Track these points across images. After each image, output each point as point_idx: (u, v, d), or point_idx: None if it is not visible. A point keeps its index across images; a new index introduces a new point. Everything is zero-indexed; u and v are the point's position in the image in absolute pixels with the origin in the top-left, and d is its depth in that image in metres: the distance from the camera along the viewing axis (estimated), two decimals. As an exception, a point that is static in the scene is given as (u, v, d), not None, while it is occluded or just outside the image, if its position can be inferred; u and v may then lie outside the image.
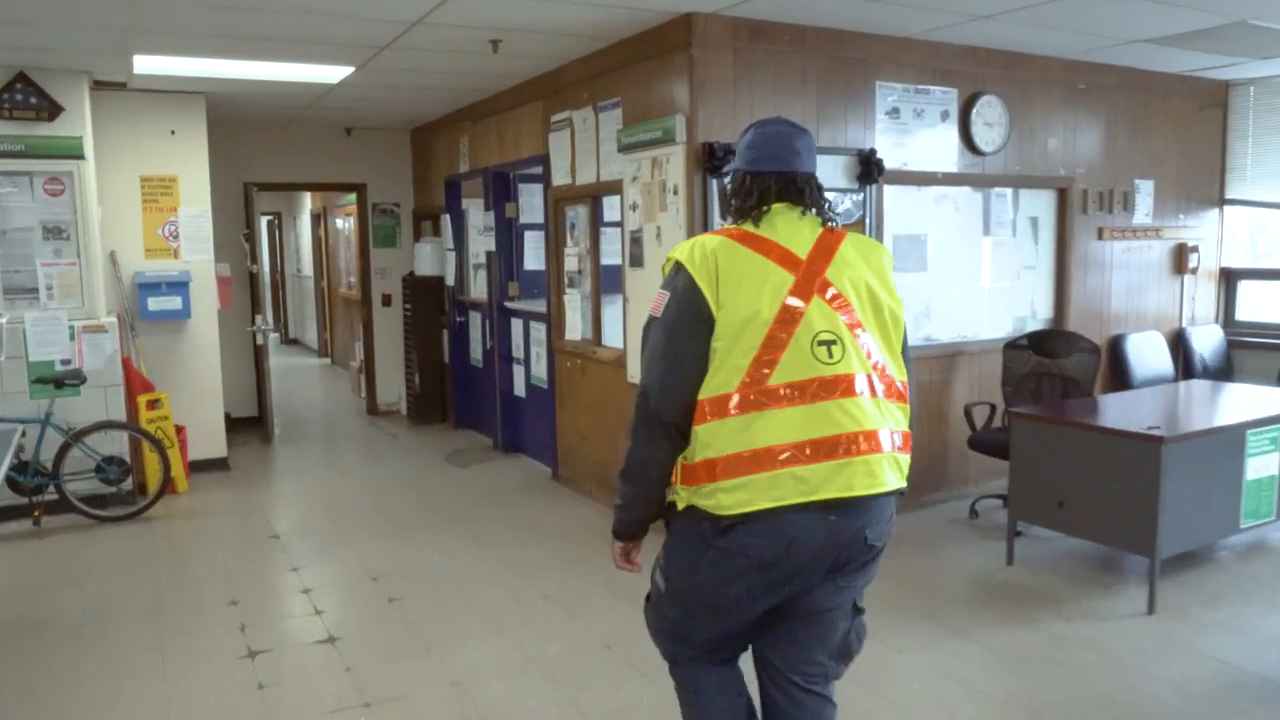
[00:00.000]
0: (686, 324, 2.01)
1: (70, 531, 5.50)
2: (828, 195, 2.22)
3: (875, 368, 2.03)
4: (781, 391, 1.95)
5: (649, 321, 2.10)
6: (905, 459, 2.08)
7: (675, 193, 4.89)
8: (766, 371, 1.96)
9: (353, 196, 10.68)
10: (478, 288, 8.05)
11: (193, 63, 5.56)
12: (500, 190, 7.18)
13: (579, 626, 4.00)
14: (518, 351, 7.15)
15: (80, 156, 5.79)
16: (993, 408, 5.51)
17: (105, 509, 5.70)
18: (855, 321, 2.03)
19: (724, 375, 1.97)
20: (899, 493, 2.07)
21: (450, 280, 8.22)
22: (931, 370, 5.60)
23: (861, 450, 1.97)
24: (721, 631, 2.19)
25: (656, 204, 5.05)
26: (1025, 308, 6.11)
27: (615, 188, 5.46)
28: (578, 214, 6.06)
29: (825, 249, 2.08)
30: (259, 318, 7.72)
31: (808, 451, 1.94)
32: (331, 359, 13.19)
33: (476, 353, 7.94)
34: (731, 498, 1.95)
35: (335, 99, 7.00)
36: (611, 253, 5.75)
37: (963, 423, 5.54)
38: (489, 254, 7.35)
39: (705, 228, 4.82)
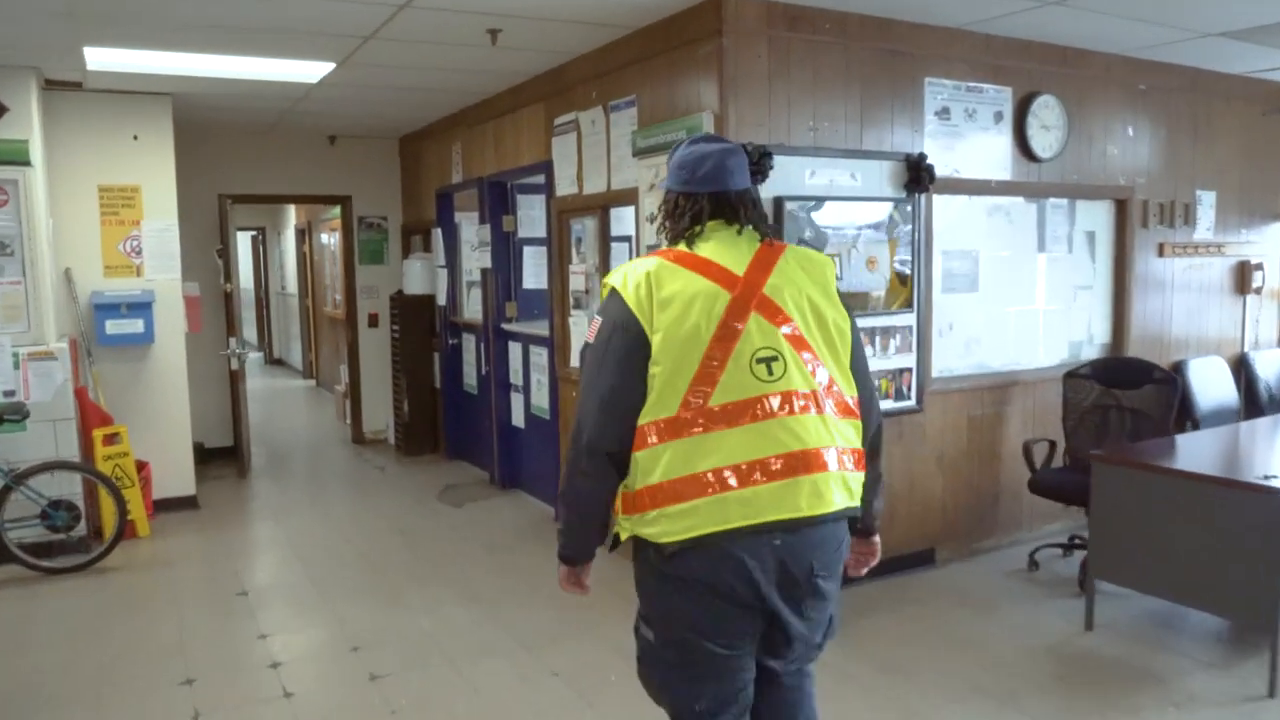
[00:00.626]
0: (620, 351, 1.95)
1: (11, 586, 4.84)
2: (765, 211, 2.26)
3: (821, 383, 1.98)
4: (722, 412, 1.90)
5: (584, 348, 2.06)
6: (857, 478, 2.01)
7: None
8: (706, 391, 1.91)
9: (337, 210, 10.09)
10: (472, 308, 7.43)
11: (152, 57, 4.93)
12: (497, 202, 6.57)
13: (594, 715, 3.37)
14: (516, 378, 6.53)
15: (26, 163, 5.16)
16: (1052, 444, 4.91)
17: (52, 559, 5.04)
18: (797, 336, 1.98)
19: (664, 399, 1.92)
20: (850, 516, 2.00)
21: (442, 299, 7.60)
22: (984, 402, 4.99)
23: (807, 469, 1.91)
24: (721, 662, 2.01)
25: (678, 215, 4.44)
26: (1081, 331, 5.51)
27: (629, 197, 4.86)
28: (585, 227, 5.45)
29: (763, 264, 2.02)
30: (234, 340, 7.08)
31: (752, 473, 1.89)
32: (317, 381, 12.53)
33: (471, 378, 7.31)
34: (675, 525, 1.90)
35: (316, 102, 6.39)
36: (624, 270, 5.12)
37: (1016, 460, 4.94)
38: (484, 271, 6.74)
39: (736, 242, 4.22)
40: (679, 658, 2.03)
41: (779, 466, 1.90)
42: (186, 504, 6.25)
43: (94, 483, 5.26)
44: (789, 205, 4.26)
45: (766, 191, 4.15)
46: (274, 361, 15.01)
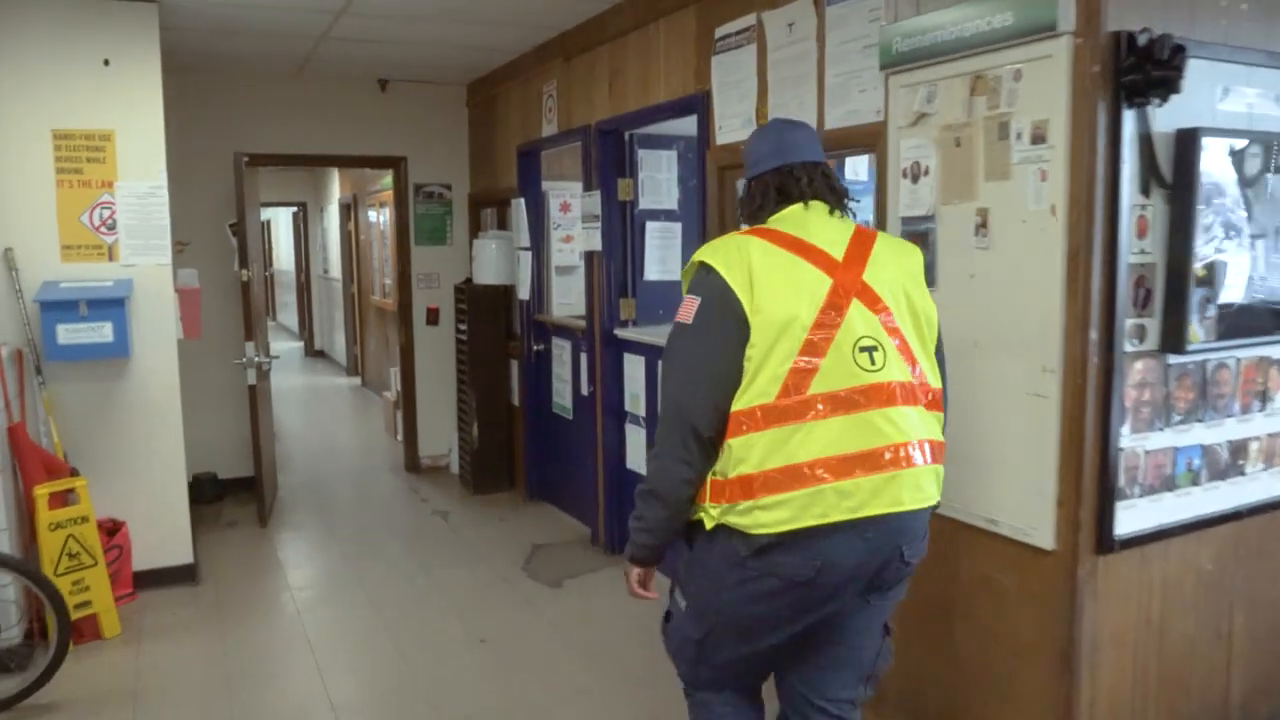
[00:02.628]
0: (719, 329, 1.88)
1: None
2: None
3: (916, 375, 1.93)
4: (822, 401, 1.83)
5: (676, 329, 1.96)
6: (942, 471, 1.97)
7: (1038, 140, 2.39)
8: (807, 380, 1.84)
9: (388, 179, 8.30)
10: (567, 303, 5.60)
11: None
12: (610, 160, 4.71)
13: None
14: (635, 404, 4.69)
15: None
16: None
17: (-40, 689, 3.33)
18: (894, 326, 1.93)
19: (760, 384, 1.84)
20: (935, 507, 1.95)
21: (525, 293, 5.77)
22: None
23: (909, 463, 1.86)
24: (745, 653, 2.04)
25: (980, 164, 2.56)
26: None
27: (861, 138, 2.99)
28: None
29: (860, 250, 1.96)
30: (252, 346, 5.32)
31: (852, 465, 1.82)
32: (363, 379, 10.83)
33: (564, 397, 5.49)
34: (771, 515, 1.82)
35: (359, 27, 4.59)
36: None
37: None
38: (590, 256, 4.90)
39: (1114, 204, 2.32)
40: (702, 638, 2.04)
41: (883, 459, 1.84)
42: (181, 576, 4.50)
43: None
44: (1209, 141, 2.36)
45: (1165, 121, 2.29)
46: (315, 353, 13.36)
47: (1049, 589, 2.49)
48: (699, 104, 3.82)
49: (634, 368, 4.68)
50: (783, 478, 1.81)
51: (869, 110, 2.95)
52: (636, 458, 4.73)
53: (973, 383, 2.63)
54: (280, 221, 15.72)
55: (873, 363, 1.86)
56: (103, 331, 3.97)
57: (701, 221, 3.86)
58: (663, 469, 1.94)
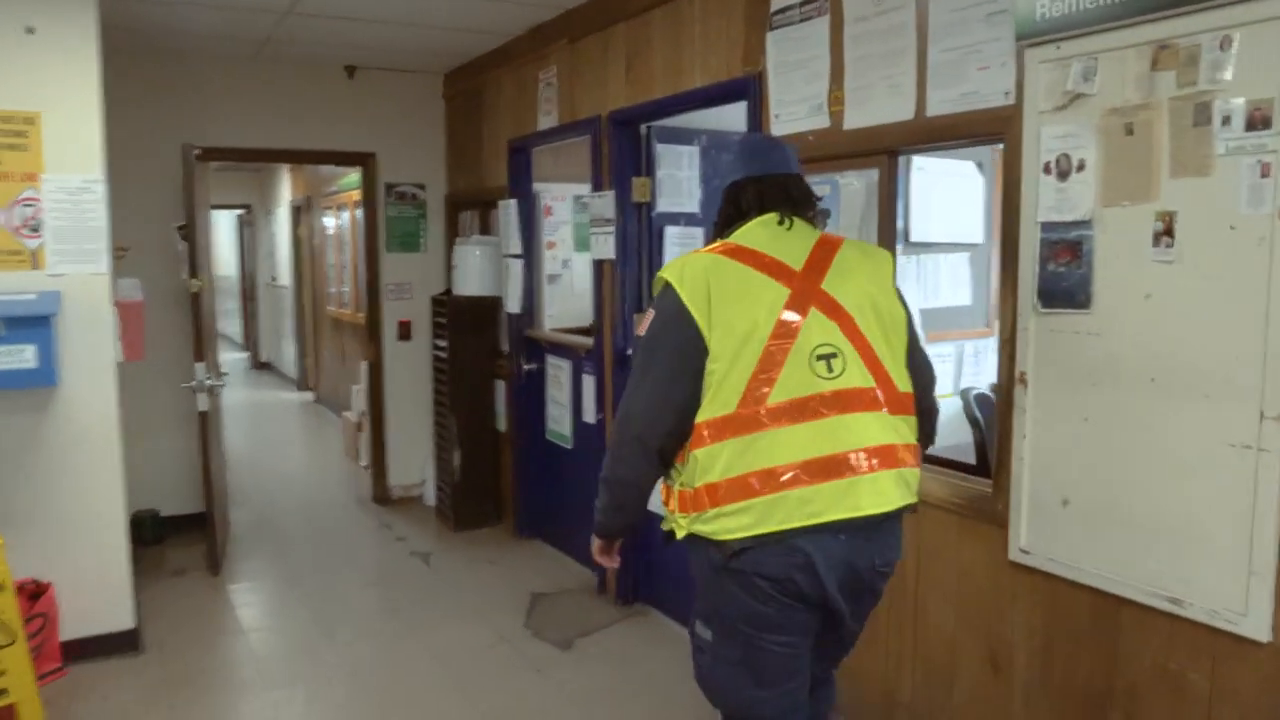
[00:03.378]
0: (673, 347, 1.93)
1: None
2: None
3: (880, 380, 1.94)
4: (781, 410, 1.87)
5: (637, 340, 2.04)
6: (914, 474, 1.98)
7: (1257, 125, 1.87)
8: (765, 390, 1.87)
9: (349, 180, 7.64)
10: (564, 315, 5.01)
11: None
12: (626, 155, 4.12)
13: None
14: (653, 436, 4.09)
15: None
16: None
17: None
18: (857, 332, 1.94)
19: (723, 396, 1.88)
20: (909, 509, 1.96)
21: (514, 305, 5.15)
22: None
23: (868, 468, 1.89)
24: (788, 667, 1.98)
25: (1164, 156, 2.03)
26: None
27: (984, 125, 2.45)
28: (835, 190, 3.00)
29: (821, 258, 1.99)
30: (202, 367, 4.61)
31: (812, 471, 1.86)
32: (316, 395, 10.06)
33: (562, 424, 4.87)
34: (735, 521, 1.86)
35: (326, 3, 3.95)
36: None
37: None
38: (600, 265, 4.30)
39: (1370, 214, 1.81)
40: (742, 655, 1.97)
41: (843, 465, 1.87)
42: (120, 645, 3.79)
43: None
44: None
45: None
46: (261, 365, 12.51)
47: (1261, 693, 1.97)
48: (748, 89, 3.25)
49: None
50: (745, 486, 1.85)
51: (994, 91, 2.41)
52: (656, 498, 4.13)
53: (1145, 429, 2.10)
54: (221, 225, 14.77)
55: (830, 370, 1.89)
56: (23, 356, 3.26)
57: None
58: (611, 466, 2.04)
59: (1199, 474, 2.03)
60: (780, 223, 2.03)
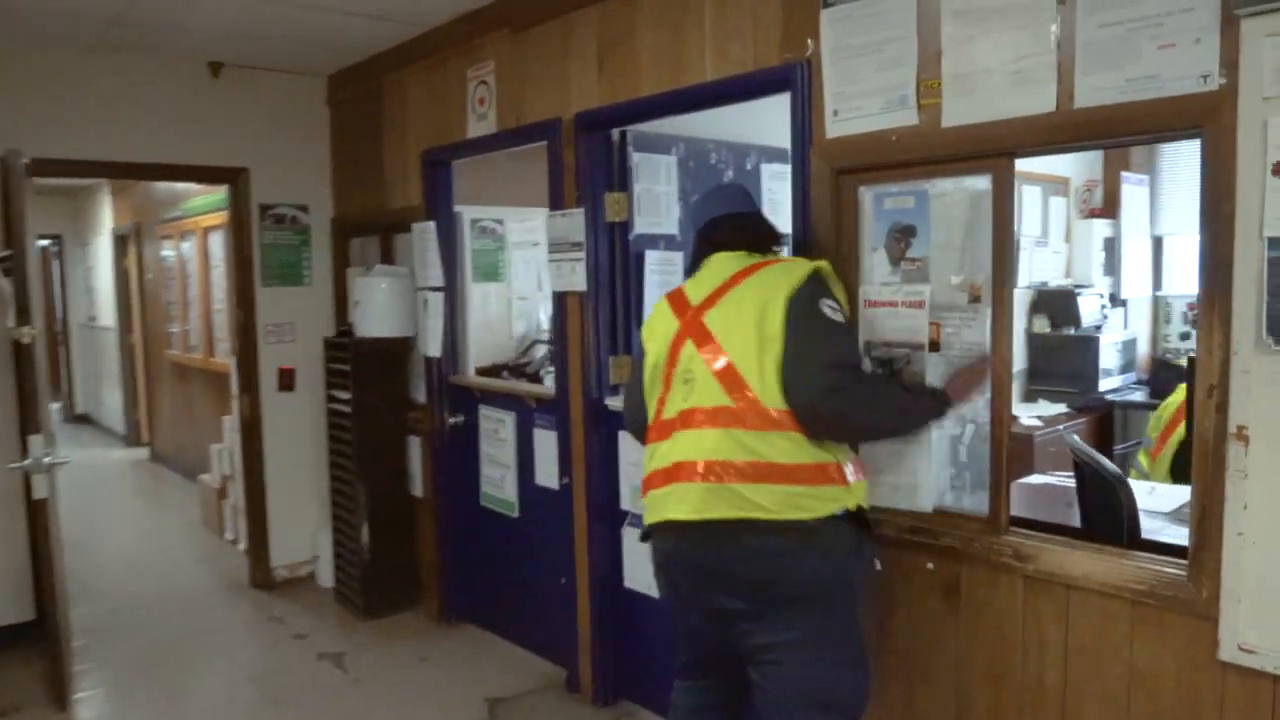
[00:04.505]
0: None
1: None
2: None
3: (740, 398, 2.09)
4: (661, 426, 2.24)
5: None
6: (771, 491, 2.05)
7: None
8: (660, 409, 2.26)
9: (205, 198, 6.57)
10: (486, 354, 4.27)
11: None
12: (598, 165, 3.44)
13: None
14: (637, 499, 3.38)
15: None
16: None
17: None
18: (718, 353, 2.14)
19: (649, 410, 2.34)
20: (794, 527, 2.06)
21: (434, 347, 4.34)
22: None
23: (688, 478, 2.12)
24: (682, 625, 2.36)
25: None
26: None
27: (1170, 117, 1.94)
28: (926, 207, 2.44)
29: (722, 289, 2.22)
30: (39, 441, 3.55)
31: (661, 479, 2.20)
32: (151, 451, 8.71)
33: (502, 487, 4.10)
34: (648, 511, 2.27)
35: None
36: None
37: None
38: (563, 298, 3.59)
39: None
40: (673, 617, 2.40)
41: (674, 475, 2.16)
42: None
43: None
44: None
45: None
46: (78, 418, 10.84)
47: None
48: (792, 79, 2.65)
49: (635, 450, 3.40)
50: (646, 484, 2.28)
51: (1184, 75, 1.91)
52: (639, 572, 3.45)
53: None
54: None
55: (687, 394, 2.18)
56: None
57: (802, 249, 2.68)
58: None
59: None
60: (732, 258, 2.31)
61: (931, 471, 2.47)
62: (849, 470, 2.15)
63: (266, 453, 5.03)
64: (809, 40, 2.60)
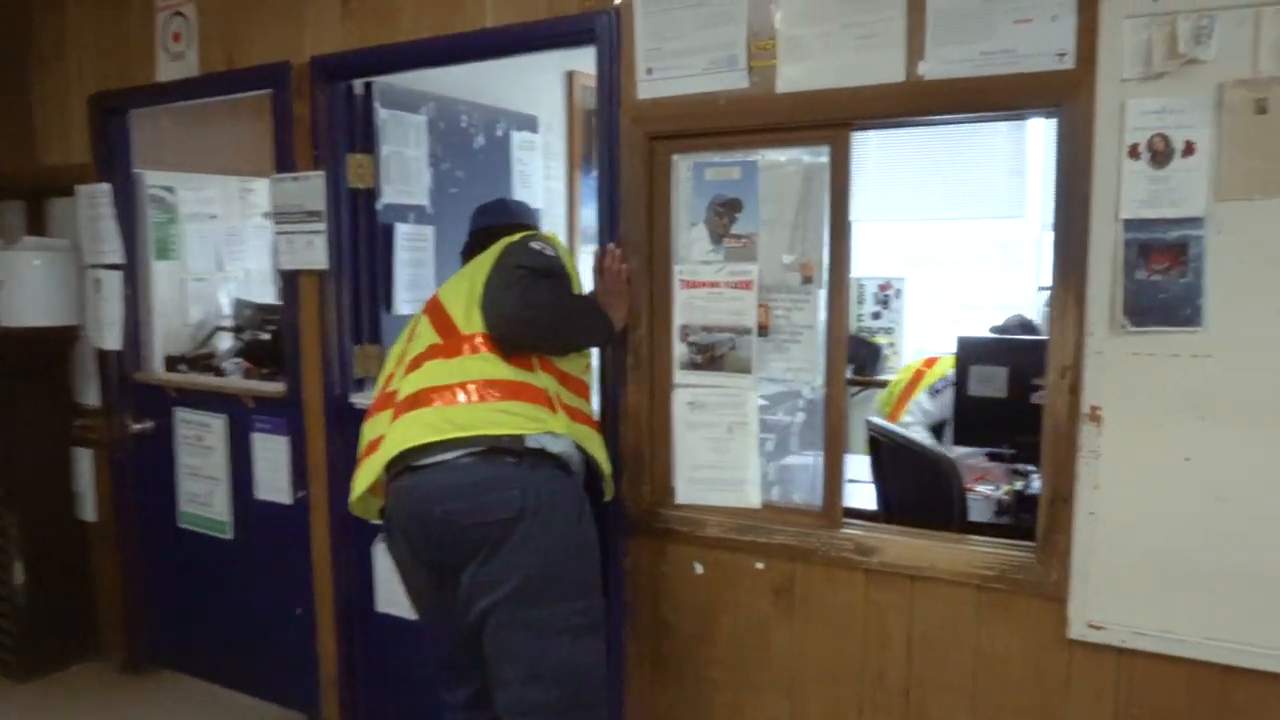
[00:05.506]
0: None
1: None
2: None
3: (448, 334, 2.15)
4: (386, 395, 2.22)
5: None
6: (463, 411, 2.03)
7: None
8: (385, 384, 2.26)
9: None
10: (164, 344, 3.55)
11: None
12: (339, 121, 2.91)
13: None
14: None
15: None
16: None
17: None
18: (440, 310, 2.21)
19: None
20: (492, 445, 2.01)
21: (112, 339, 3.52)
22: None
23: (400, 412, 2.10)
24: (419, 608, 2.28)
25: (1328, 137, 1.66)
26: None
27: (1026, 94, 1.90)
28: (754, 180, 2.25)
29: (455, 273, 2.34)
30: None
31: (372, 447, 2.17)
32: None
33: (210, 504, 3.40)
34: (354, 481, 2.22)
35: None
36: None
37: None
38: (298, 279, 3.01)
39: None
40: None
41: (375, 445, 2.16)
42: None
43: None
44: None
45: None
46: None
47: None
48: (597, 32, 2.35)
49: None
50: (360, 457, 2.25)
51: (1039, 52, 1.87)
52: (397, 593, 3.00)
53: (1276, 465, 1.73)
54: None
55: (410, 350, 2.21)
56: None
57: (610, 223, 2.39)
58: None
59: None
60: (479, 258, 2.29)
61: (758, 465, 2.31)
62: (561, 407, 2.13)
63: None
64: (626, -26, 2.32)
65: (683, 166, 2.33)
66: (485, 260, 2.19)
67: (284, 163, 2.97)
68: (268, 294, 3.99)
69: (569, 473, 2.12)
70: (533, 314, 2.08)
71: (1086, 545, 1.91)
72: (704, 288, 2.33)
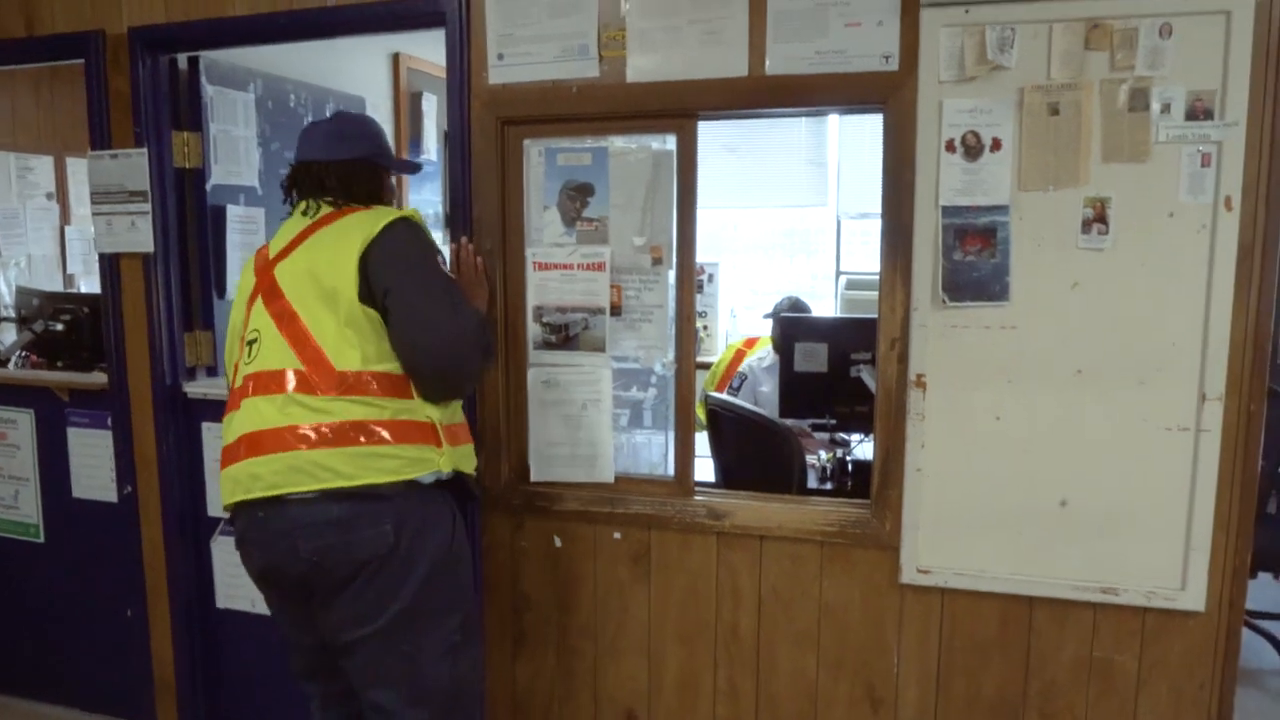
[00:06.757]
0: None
1: None
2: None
3: (310, 359, 1.86)
4: (233, 394, 1.97)
5: None
6: (317, 455, 1.82)
7: (1198, 115, 1.89)
8: (236, 374, 1.98)
9: None
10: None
11: None
12: (162, 97, 2.75)
13: None
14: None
15: None
16: None
17: None
18: (289, 313, 1.90)
19: (229, 378, 2.05)
20: (369, 493, 1.83)
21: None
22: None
23: (246, 453, 1.88)
24: (275, 618, 2.09)
25: (1096, 139, 1.94)
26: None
27: (860, 91, 2.09)
28: (605, 165, 2.34)
29: (296, 241, 1.97)
30: None
31: (230, 454, 1.93)
32: None
33: (19, 505, 3.16)
34: (221, 490, 1.96)
35: None
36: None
37: None
38: (119, 262, 2.84)
39: (1294, 202, 1.94)
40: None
41: (238, 450, 1.90)
42: None
43: None
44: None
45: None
46: None
47: (1191, 659, 2.04)
48: (448, 13, 2.36)
49: (214, 442, 2.84)
50: (222, 457, 1.95)
51: (866, 54, 2.06)
52: (238, 587, 2.92)
53: (1067, 421, 2.02)
54: None
55: (250, 355, 1.93)
56: None
57: (464, 206, 2.41)
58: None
59: (1133, 459, 2.00)
60: (304, 211, 2.02)
61: (612, 441, 2.42)
62: (444, 434, 1.93)
63: None
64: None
65: (534, 151, 2.39)
66: (339, 254, 1.88)
67: (99, 140, 2.78)
68: (56, 282, 3.72)
69: (440, 485, 1.95)
70: (473, 339, 1.90)
71: (915, 498, 2.14)
72: (557, 270, 2.40)
